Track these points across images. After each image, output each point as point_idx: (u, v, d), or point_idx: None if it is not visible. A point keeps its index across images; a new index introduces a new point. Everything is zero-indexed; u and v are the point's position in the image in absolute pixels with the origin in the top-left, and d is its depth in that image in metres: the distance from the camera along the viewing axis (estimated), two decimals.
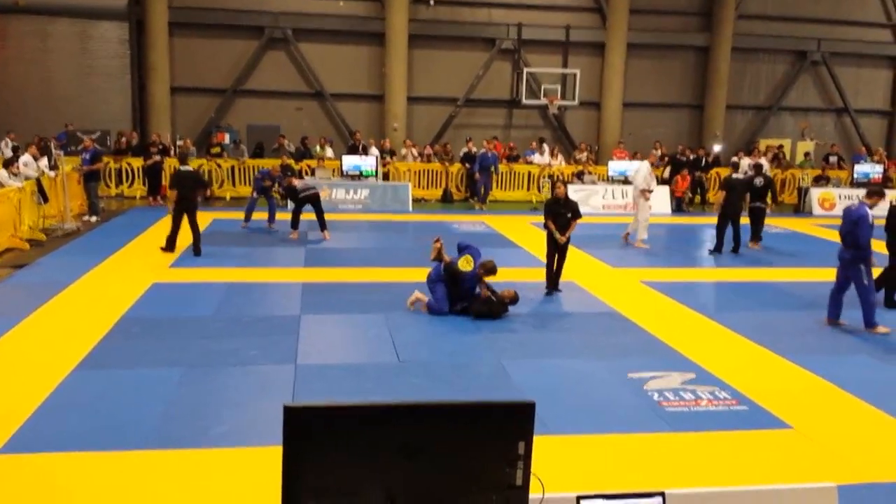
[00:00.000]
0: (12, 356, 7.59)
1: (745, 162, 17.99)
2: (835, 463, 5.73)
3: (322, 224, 14.64)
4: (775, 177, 16.74)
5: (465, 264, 9.47)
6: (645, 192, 14.56)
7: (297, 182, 15.14)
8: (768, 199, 15.08)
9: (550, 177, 21.47)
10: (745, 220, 14.73)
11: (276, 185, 15.63)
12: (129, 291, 10.10)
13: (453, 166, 21.60)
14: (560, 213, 10.63)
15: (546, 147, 23.01)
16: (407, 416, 2.64)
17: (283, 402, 2.44)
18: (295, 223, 14.55)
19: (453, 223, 16.95)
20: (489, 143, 21.00)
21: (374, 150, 20.95)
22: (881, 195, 9.55)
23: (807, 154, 25.46)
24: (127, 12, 23.04)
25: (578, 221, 10.83)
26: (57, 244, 13.45)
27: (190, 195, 12.63)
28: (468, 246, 9.82)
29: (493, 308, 9.46)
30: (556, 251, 10.76)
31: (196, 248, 12.52)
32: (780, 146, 24.94)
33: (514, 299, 9.63)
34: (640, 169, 14.94)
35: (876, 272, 9.62)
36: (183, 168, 13.15)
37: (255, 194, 15.78)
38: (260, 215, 15.64)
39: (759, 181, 14.88)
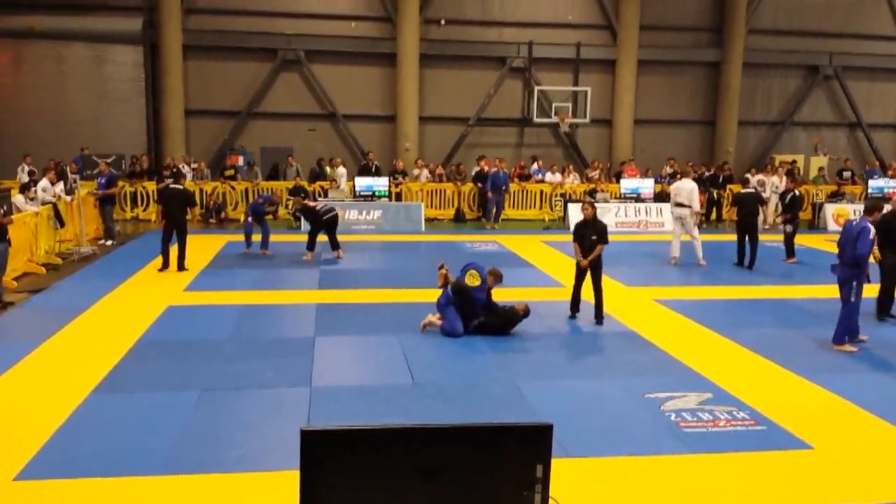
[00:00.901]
0: (29, 381, 7.62)
1: (755, 179, 17.97)
2: (858, 484, 5.65)
3: (335, 244, 14.67)
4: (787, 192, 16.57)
5: (472, 279, 9.51)
6: (697, 214, 14.86)
7: (313, 204, 15.18)
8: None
9: (563, 196, 21.46)
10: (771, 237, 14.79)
11: (279, 208, 15.57)
12: (145, 315, 10.14)
13: (465, 186, 21.63)
14: (585, 236, 10.26)
15: (537, 164, 23.03)
16: (423, 440, 2.63)
17: (300, 425, 2.43)
18: (312, 245, 14.57)
19: (466, 243, 16.95)
20: (499, 163, 21.03)
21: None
22: (880, 209, 9.50)
23: (820, 169, 25.34)
24: (141, 36, 23.31)
25: (604, 246, 10.19)
26: (73, 268, 13.53)
27: (176, 213, 13.10)
28: (471, 263, 9.91)
29: (511, 318, 9.53)
30: (582, 275, 10.41)
31: (180, 264, 13.06)
32: (794, 161, 24.84)
33: (527, 312, 9.67)
34: (693, 189, 14.96)
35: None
36: (172, 186, 13.65)
37: (249, 219, 15.29)
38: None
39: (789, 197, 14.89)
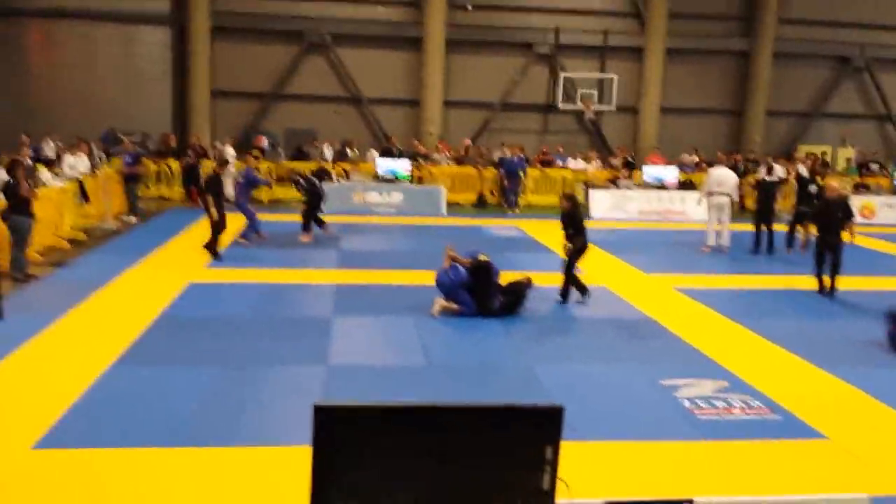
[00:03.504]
0: (51, 352, 7.75)
1: (779, 167, 17.75)
2: (871, 475, 5.62)
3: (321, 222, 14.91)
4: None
5: (485, 257, 9.69)
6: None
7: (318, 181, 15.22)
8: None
9: (585, 183, 21.31)
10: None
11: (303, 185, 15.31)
12: (167, 290, 10.25)
13: (487, 171, 21.56)
14: (565, 226, 10.39)
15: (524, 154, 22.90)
16: (435, 418, 2.64)
17: (314, 401, 2.45)
18: (310, 226, 14.60)
19: (487, 227, 16.93)
20: (512, 149, 20.95)
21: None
22: None
23: (848, 160, 25.01)
24: (170, 17, 23.47)
25: (577, 240, 10.26)
26: (96, 243, 13.70)
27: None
28: (476, 249, 10.07)
29: (521, 290, 9.71)
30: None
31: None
32: (823, 153, 24.51)
33: (530, 281, 9.86)
34: (735, 179, 15.03)
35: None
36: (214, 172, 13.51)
37: (242, 201, 14.38)
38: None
39: (813, 188, 14.71)
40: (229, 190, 14.96)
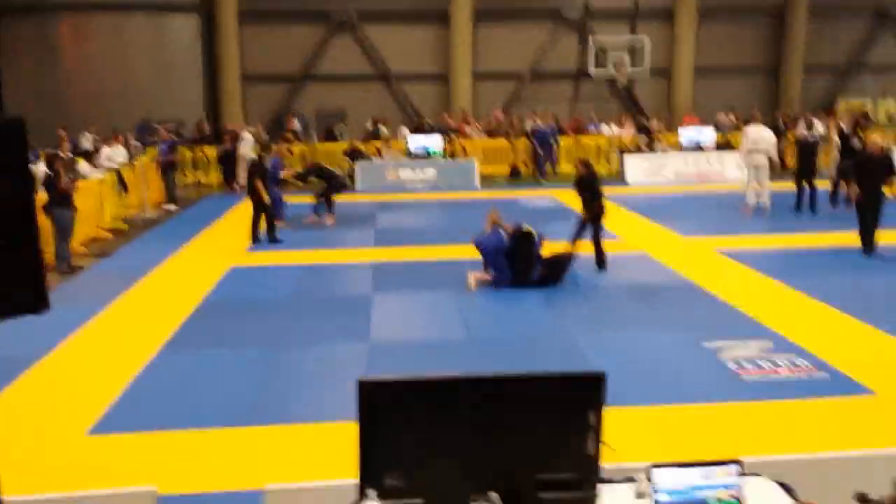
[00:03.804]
0: (100, 340, 7.93)
1: (819, 124, 17.36)
2: None
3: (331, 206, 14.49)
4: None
5: (529, 228, 9.64)
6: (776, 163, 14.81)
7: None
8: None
9: (619, 150, 21.03)
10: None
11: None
12: (209, 276, 10.40)
13: (519, 141, 21.39)
14: (581, 192, 10.49)
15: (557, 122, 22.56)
16: (477, 388, 2.66)
17: (357, 377, 2.48)
18: (323, 207, 14.35)
19: (521, 199, 16.85)
20: (544, 117, 20.73)
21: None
22: None
23: (889, 114, 24.38)
24: (198, 5, 23.59)
25: (595, 204, 10.31)
26: (138, 233, 13.94)
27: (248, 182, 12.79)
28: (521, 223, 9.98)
29: (563, 262, 9.72)
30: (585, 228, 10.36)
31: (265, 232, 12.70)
32: (865, 112, 23.84)
33: (573, 255, 9.89)
34: (773, 139, 14.81)
35: None
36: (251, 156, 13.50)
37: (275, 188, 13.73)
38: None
39: (856, 143, 14.38)
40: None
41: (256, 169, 12.77)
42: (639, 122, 22.92)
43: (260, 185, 12.44)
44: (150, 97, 23.24)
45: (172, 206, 16.61)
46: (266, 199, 12.46)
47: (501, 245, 9.49)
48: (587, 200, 10.31)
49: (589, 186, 10.39)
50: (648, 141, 20.83)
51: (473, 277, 9.61)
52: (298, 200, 13.77)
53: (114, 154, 16.05)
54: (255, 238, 12.56)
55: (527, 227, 9.69)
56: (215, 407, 6.10)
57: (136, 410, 6.11)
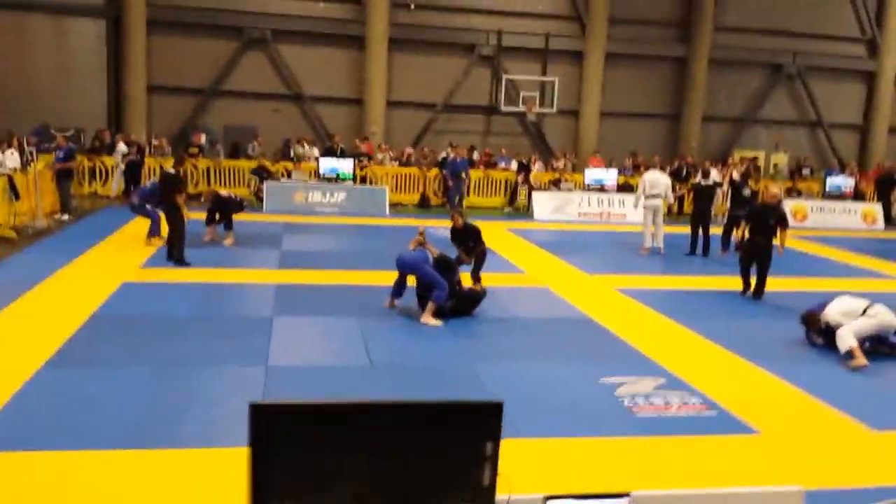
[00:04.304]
0: None
1: (714, 172, 18.19)
2: (802, 468, 5.79)
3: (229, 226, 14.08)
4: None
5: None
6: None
7: (226, 194, 14.51)
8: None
9: (528, 184, 21.46)
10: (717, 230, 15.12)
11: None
12: (100, 290, 9.98)
13: (431, 171, 21.59)
14: (462, 241, 10.93)
15: (476, 154, 23.13)
16: (374, 415, 2.62)
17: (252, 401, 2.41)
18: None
19: (431, 228, 16.88)
20: (458, 150, 21.03)
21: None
22: None
23: (775, 166, 25.82)
24: (104, 9, 22.87)
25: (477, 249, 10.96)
26: (27, 242, 13.27)
27: (165, 197, 12.28)
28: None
29: (475, 298, 9.82)
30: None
31: (168, 252, 12.03)
32: (755, 158, 25.20)
33: (485, 292, 9.99)
34: (668, 183, 15.48)
35: None
36: (165, 170, 13.11)
37: (147, 206, 13.35)
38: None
39: (746, 192, 15.10)
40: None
41: (176, 183, 12.30)
42: (546, 159, 23.54)
43: (181, 200, 12.02)
44: (50, 102, 22.37)
45: (66, 217, 15.92)
46: (186, 217, 11.96)
47: (428, 262, 9.39)
48: (470, 248, 10.76)
49: (471, 235, 10.86)
50: (556, 179, 21.40)
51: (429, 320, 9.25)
52: (195, 217, 13.32)
53: (6, 158, 15.30)
54: (180, 258, 11.90)
55: (451, 258, 9.79)
56: (99, 428, 5.81)
57: (14, 429, 5.75)
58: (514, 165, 22.61)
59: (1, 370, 6.96)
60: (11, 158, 15.54)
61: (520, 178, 21.57)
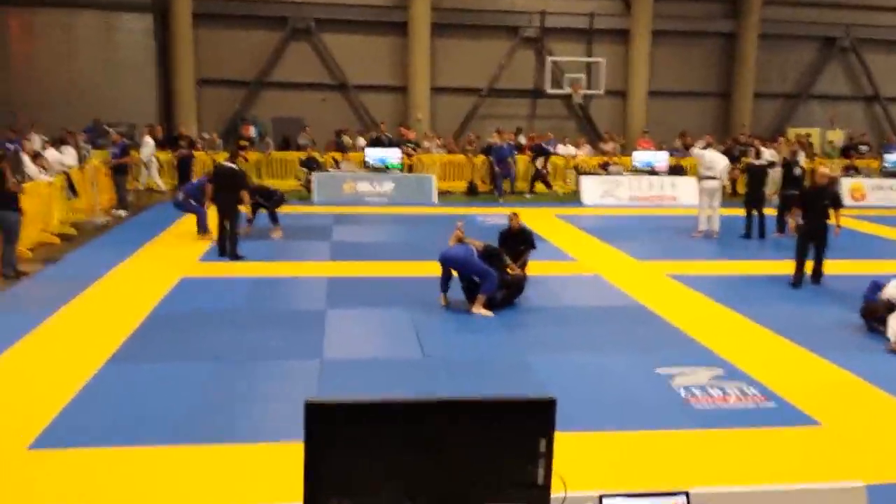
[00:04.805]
0: (43, 350, 7.70)
1: (767, 151, 17.83)
2: (864, 461, 5.66)
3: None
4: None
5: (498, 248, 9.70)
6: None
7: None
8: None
9: (576, 168, 21.29)
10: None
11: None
12: (159, 285, 10.19)
13: (477, 158, 21.51)
14: (513, 245, 10.22)
15: (523, 138, 22.85)
16: (428, 413, 2.63)
17: (306, 397, 2.44)
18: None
19: (479, 216, 16.89)
20: (504, 135, 20.88)
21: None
22: None
23: (830, 142, 25.14)
24: (151, 4, 23.22)
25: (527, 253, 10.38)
26: (87, 238, 13.61)
27: (221, 194, 12.22)
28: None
29: (519, 283, 9.67)
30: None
31: (221, 247, 12.15)
32: (808, 135, 24.59)
33: (525, 275, 9.89)
34: (726, 164, 15.15)
35: None
36: (220, 164, 13.16)
37: (192, 201, 13.48)
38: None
39: (797, 171, 14.77)
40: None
41: (238, 178, 12.43)
42: (594, 142, 23.29)
43: (246, 195, 12.23)
44: (101, 98, 22.83)
45: (123, 212, 16.27)
46: (250, 213, 12.15)
47: (474, 255, 9.24)
48: (521, 252, 10.19)
49: (527, 238, 10.41)
50: (604, 162, 21.16)
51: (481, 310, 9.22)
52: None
53: (63, 156, 15.69)
54: (234, 252, 12.01)
55: (495, 246, 9.67)
56: (160, 423, 5.96)
57: (80, 425, 5.93)
58: (561, 149, 22.40)
59: (65, 368, 7.17)
60: (68, 156, 15.91)
61: (538, 163, 21.12)
